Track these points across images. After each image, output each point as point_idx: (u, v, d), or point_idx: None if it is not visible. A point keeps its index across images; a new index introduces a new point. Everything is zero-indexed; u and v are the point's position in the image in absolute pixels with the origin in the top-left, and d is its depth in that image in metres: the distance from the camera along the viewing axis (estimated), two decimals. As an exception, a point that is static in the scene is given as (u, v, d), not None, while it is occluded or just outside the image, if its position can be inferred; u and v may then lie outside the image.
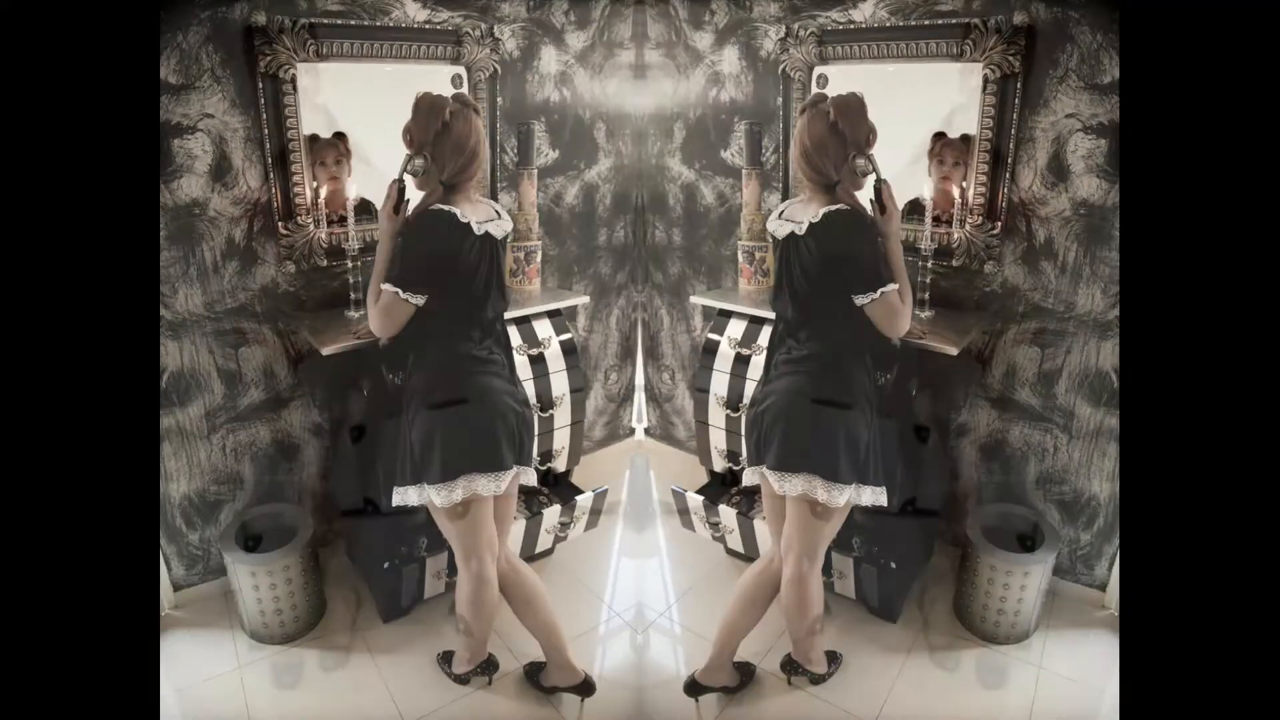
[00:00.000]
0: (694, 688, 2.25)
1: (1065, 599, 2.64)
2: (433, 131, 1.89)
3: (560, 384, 2.71)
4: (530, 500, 2.81)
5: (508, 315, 2.30)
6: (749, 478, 2.11)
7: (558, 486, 2.91)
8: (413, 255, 1.91)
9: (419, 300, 1.91)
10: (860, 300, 1.90)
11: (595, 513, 2.79)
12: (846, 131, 1.87)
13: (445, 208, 1.92)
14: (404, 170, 1.91)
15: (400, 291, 1.89)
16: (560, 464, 2.83)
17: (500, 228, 2.01)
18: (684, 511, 2.78)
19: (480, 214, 1.98)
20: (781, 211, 2.03)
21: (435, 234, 1.91)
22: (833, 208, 1.91)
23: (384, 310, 1.91)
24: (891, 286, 1.88)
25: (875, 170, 1.90)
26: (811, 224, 1.91)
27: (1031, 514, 2.59)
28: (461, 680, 2.28)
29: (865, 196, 1.94)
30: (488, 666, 2.29)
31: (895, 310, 1.90)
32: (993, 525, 2.56)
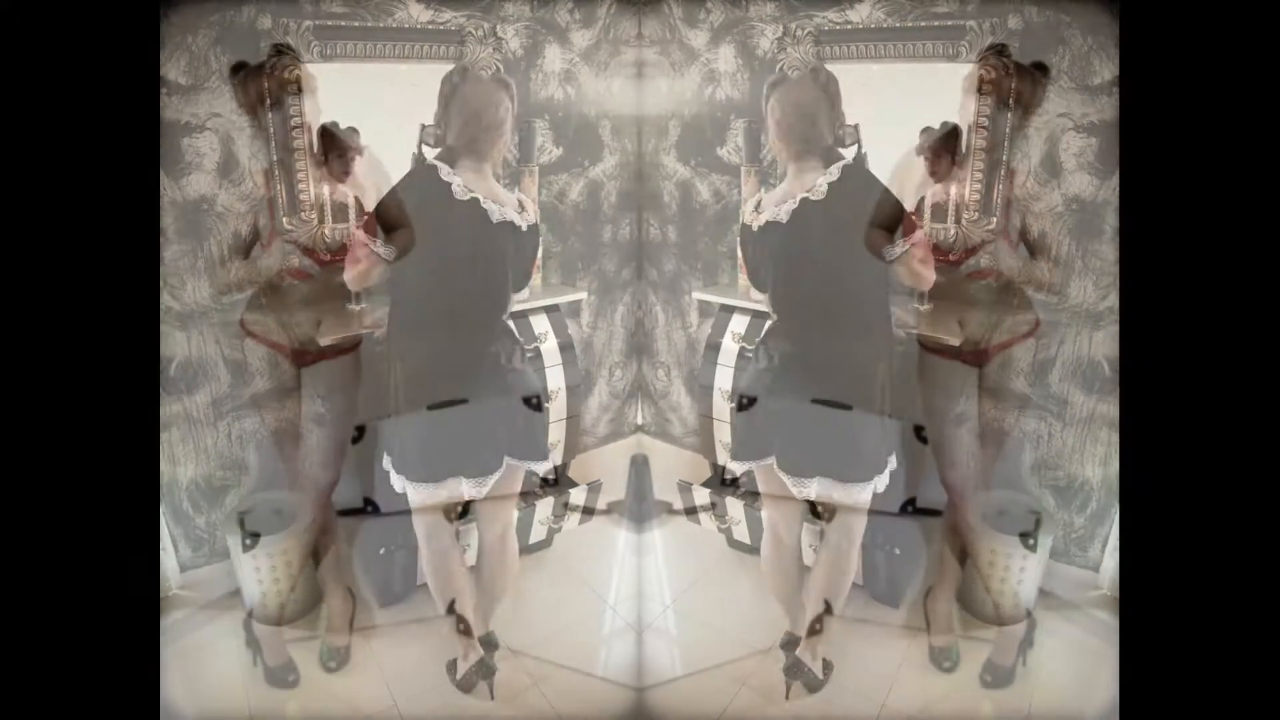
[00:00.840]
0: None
1: (1061, 580, 2.66)
2: (443, 98, 1.91)
3: (555, 379, 2.76)
4: (525, 492, 2.85)
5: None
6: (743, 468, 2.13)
7: (554, 480, 2.94)
8: (385, 203, 1.92)
9: (384, 251, 1.88)
10: (899, 249, 1.86)
11: (589, 505, 2.82)
12: (835, 99, 1.90)
13: (434, 165, 1.90)
14: (420, 141, 1.94)
15: (370, 239, 1.88)
16: (555, 458, 2.87)
17: (502, 211, 1.95)
18: (690, 504, 2.80)
19: (485, 190, 1.93)
20: (758, 203, 2.01)
21: (411, 187, 1.92)
22: (843, 164, 1.87)
23: (351, 257, 1.93)
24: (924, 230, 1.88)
25: (858, 140, 1.90)
26: (831, 184, 1.85)
27: (1030, 499, 2.61)
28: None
29: None
30: (485, 670, 2.21)
31: (929, 256, 1.90)
32: (992, 511, 2.57)
